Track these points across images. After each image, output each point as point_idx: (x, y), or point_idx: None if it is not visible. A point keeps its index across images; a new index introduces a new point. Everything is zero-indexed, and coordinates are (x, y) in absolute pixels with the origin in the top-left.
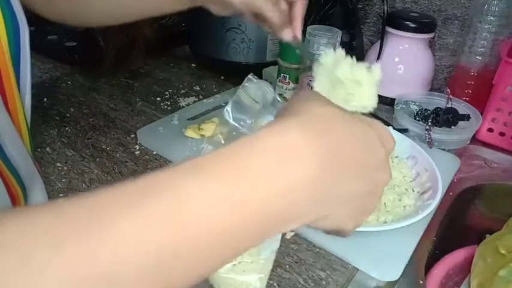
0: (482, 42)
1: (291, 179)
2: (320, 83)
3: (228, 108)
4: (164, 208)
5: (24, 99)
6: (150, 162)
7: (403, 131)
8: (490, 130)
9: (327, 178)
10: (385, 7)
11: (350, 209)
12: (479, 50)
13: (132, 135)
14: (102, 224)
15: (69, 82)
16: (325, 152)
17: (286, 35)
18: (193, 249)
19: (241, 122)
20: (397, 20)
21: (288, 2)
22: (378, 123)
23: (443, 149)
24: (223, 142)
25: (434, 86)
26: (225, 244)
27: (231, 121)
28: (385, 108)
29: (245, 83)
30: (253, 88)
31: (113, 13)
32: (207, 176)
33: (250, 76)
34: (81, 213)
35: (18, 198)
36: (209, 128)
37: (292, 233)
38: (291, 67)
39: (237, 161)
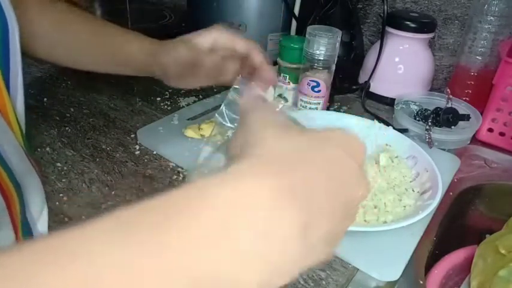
0: (482, 42)
1: (239, 239)
2: None
3: (222, 110)
4: (71, 278)
5: (16, 98)
6: (150, 162)
7: (403, 131)
8: (490, 130)
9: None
10: (385, 7)
11: (322, 244)
12: (479, 50)
13: (132, 135)
14: None
15: (69, 82)
16: (287, 199)
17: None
18: None
19: (236, 124)
20: (397, 20)
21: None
22: (339, 133)
23: (443, 149)
24: (219, 143)
25: (434, 86)
26: None
27: (227, 124)
28: (385, 108)
29: (235, 85)
30: (243, 89)
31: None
32: (125, 243)
33: (238, 78)
34: None
35: (10, 195)
36: (209, 128)
37: None
38: (291, 67)
39: (167, 222)
